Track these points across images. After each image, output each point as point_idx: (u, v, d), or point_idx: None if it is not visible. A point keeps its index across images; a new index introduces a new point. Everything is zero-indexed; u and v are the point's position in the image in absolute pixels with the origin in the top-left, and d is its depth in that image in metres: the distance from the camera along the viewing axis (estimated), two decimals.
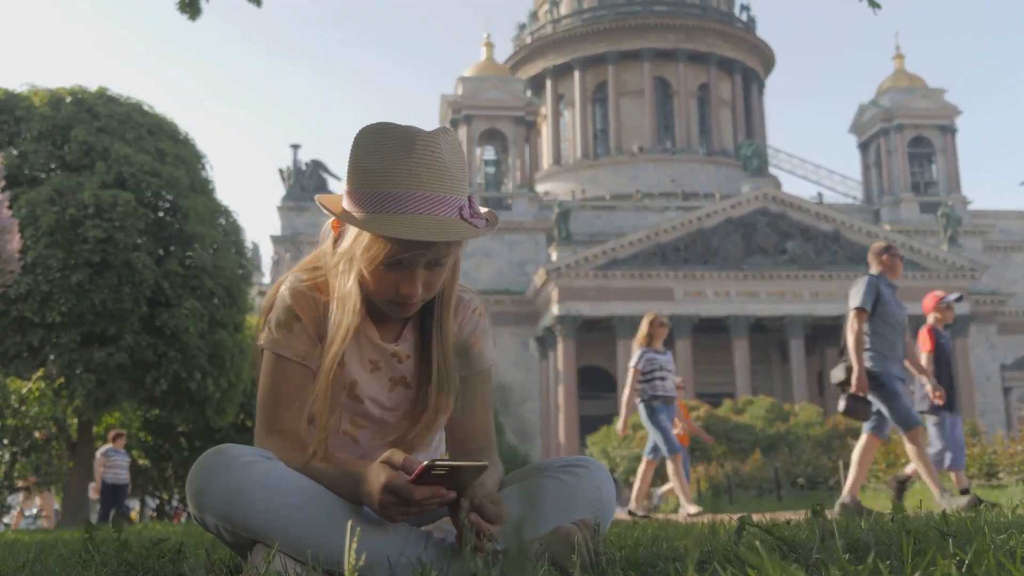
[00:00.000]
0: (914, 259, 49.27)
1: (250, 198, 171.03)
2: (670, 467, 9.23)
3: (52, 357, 15.45)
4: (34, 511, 17.79)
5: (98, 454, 14.62)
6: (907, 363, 7.21)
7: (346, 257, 1.88)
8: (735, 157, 59.99)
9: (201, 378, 16.28)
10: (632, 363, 9.31)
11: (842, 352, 7.01)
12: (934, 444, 7.60)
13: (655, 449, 9.28)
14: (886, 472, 11.74)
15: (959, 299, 8.15)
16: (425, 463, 1.66)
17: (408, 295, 1.88)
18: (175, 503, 23.07)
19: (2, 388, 11.99)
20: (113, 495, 15.03)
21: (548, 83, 64.47)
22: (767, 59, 68.13)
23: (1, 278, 8.72)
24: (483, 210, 1.94)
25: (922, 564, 1.40)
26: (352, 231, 1.89)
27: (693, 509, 8.80)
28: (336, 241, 1.96)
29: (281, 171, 54.25)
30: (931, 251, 49.34)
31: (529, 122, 56.45)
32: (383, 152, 1.82)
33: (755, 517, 2.60)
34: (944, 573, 1.31)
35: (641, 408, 9.25)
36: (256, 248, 52.71)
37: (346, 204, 1.88)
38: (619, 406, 9.79)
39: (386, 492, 1.70)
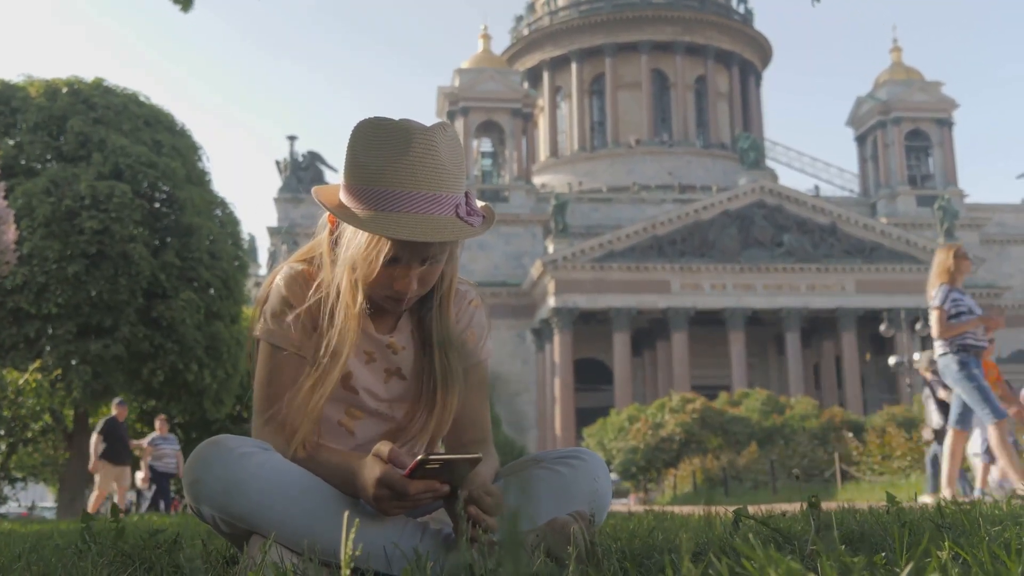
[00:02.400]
0: (910, 252, 49.31)
1: (247, 190, 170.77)
2: (954, 439, 7.30)
3: (48, 348, 15.44)
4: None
5: (145, 443, 14.36)
6: None
7: (347, 261, 1.88)
8: (732, 150, 59.98)
9: (198, 369, 16.29)
10: (936, 303, 7.25)
11: None
12: None
13: (964, 417, 7.32)
14: None
15: None
16: (419, 457, 1.67)
17: (403, 291, 1.89)
18: (171, 494, 23.09)
19: None
20: (164, 484, 14.94)
21: (545, 75, 64.39)
22: (764, 52, 68.08)
23: None
24: (480, 204, 1.93)
25: (916, 555, 1.40)
26: (349, 227, 1.89)
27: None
28: (332, 233, 1.96)
29: (278, 163, 54.24)
30: (927, 244, 49.34)
31: (526, 114, 56.40)
32: (380, 149, 1.81)
33: (751, 509, 2.61)
34: (938, 565, 1.31)
35: (948, 362, 7.30)
36: (253, 240, 52.65)
37: (343, 198, 1.88)
38: (615, 399, 9.05)
39: (380, 486, 1.70)
